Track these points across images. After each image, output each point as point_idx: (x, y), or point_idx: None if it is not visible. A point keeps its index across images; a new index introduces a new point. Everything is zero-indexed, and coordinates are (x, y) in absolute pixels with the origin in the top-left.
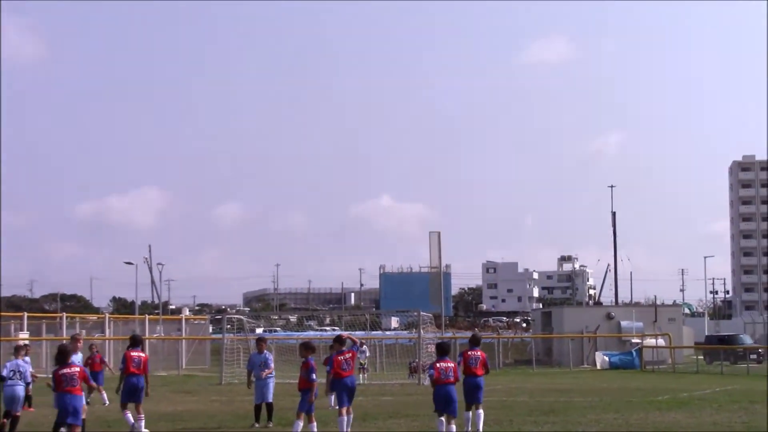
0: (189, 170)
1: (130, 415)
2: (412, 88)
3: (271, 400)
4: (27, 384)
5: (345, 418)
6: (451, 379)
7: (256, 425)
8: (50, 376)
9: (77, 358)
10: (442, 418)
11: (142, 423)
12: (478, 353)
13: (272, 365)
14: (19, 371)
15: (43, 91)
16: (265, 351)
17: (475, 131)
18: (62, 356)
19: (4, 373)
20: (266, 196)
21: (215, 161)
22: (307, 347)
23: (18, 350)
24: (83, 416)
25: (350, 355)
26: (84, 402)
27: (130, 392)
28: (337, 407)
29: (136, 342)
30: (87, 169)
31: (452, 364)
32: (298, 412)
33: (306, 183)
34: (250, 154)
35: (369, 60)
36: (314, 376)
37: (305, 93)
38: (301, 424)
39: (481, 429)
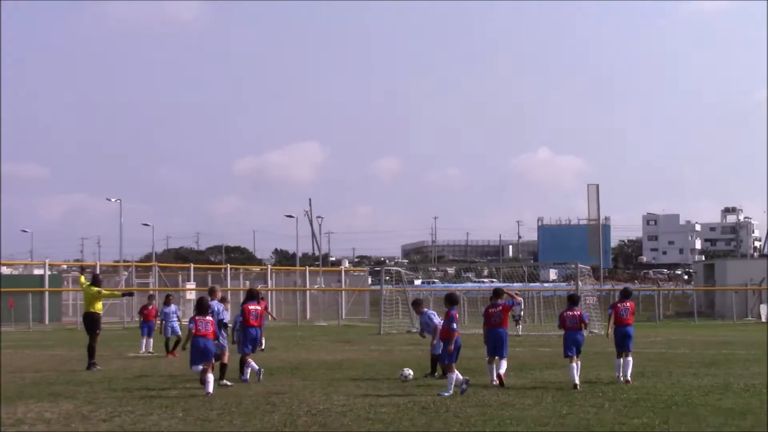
0: (347, 125)
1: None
2: (569, 36)
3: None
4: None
5: (493, 366)
6: (571, 325)
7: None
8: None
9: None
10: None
11: (248, 371)
12: (628, 304)
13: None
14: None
15: (201, 51)
16: (425, 311)
17: (632, 82)
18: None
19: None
20: (423, 150)
21: (372, 116)
22: (447, 299)
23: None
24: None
25: (501, 308)
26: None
27: (250, 343)
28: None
29: (253, 295)
30: (248, 126)
31: (578, 312)
32: (445, 364)
33: (463, 136)
34: (406, 108)
35: (523, 9)
36: (455, 325)
37: (461, 44)
38: (454, 376)
39: (629, 375)
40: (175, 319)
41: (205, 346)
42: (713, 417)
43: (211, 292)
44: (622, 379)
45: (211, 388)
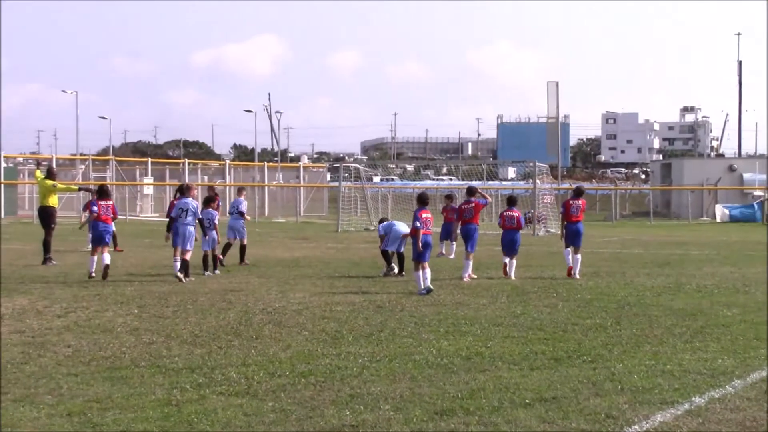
0: (305, 17)
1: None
2: None
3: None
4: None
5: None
6: (509, 225)
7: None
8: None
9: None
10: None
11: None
12: (580, 202)
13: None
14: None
15: None
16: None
17: None
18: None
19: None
20: (383, 44)
21: (331, 8)
22: (418, 198)
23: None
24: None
25: (474, 205)
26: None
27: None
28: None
29: (103, 192)
30: (205, 18)
31: (517, 213)
32: (413, 261)
33: (423, 29)
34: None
35: None
36: (418, 224)
37: None
38: (420, 273)
39: (578, 273)
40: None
41: (105, 229)
42: (665, 317)
43: (186, 190)
44: (576, 274)
45: (94, 268)
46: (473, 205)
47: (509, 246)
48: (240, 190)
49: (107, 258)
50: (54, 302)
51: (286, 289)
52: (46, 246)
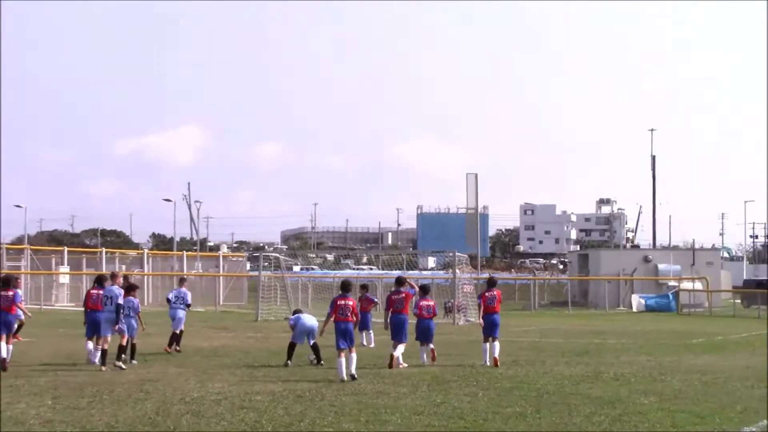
0: (228, 110)
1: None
2: (449, 29)
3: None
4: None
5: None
6: (427, 314)
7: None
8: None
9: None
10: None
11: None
12: (495, 292)
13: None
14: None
15: (80, 25)
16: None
17: (516, 72)
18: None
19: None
20: (304, 136)
21: (254, 101)
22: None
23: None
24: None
25: (404, 295)
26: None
27: (92, 326)
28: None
29: (100, 281)
30: (127, 107)
31: (432, 303)
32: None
33: (344, 122)
34: (288, 94)
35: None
36: (329, 310)
37: (339, 30)
38: (341, 360)
39: (497, 354)
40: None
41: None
42: (584, 406)
43: (112, 277)
44: (488, 362)
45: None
46: (403, 295)
47: (425, 333)
48: (182, 281)
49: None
50: None
51: (204, 379)
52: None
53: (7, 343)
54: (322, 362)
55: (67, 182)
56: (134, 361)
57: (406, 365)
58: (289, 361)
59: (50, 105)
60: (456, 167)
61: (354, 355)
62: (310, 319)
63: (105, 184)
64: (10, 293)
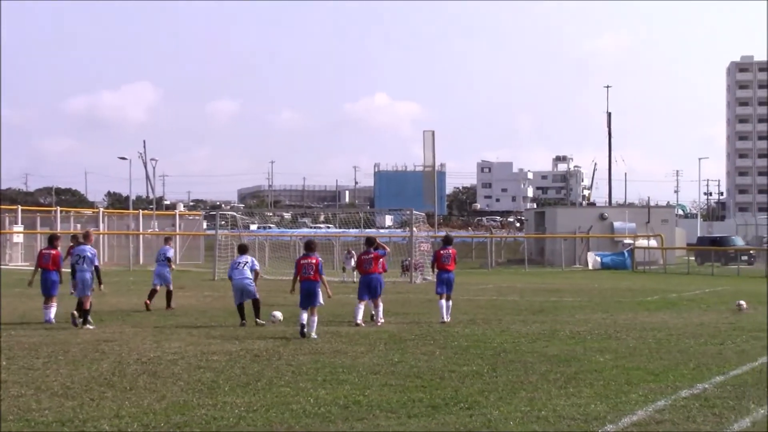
0: (182, 65)
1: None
2: None
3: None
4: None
5: (361, 307)
6: (370, 269)
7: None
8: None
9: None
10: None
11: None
12: (450, 251)
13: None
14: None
15: None
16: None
17: (472, 29)
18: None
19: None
20: (260, 93)
21: (209, 56)
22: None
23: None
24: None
25: (373, 256)
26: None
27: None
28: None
29: (52, 240)
30: (79, 64)
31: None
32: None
33: (301, 79)
34: (244, 49)
35: None
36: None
37: None
38: (303, 315)
39: (448, 316)
40: None
41: None
42: (540, 364)
43: (86, 237)
44: (447, 319)
45: None
46: (372, 255)
47: (447, 285)
48: (167, 239)
49: None
50: None
51: (161, 339)
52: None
53: None
54: (259, 320)
55: (18, 140)
56: (89, 326)
57: (382, 321)
58: (243, 321)
59: None
60: (413, 124)
61: (315, 317)
62: (238, 280)
63: (58, 142)
64: None
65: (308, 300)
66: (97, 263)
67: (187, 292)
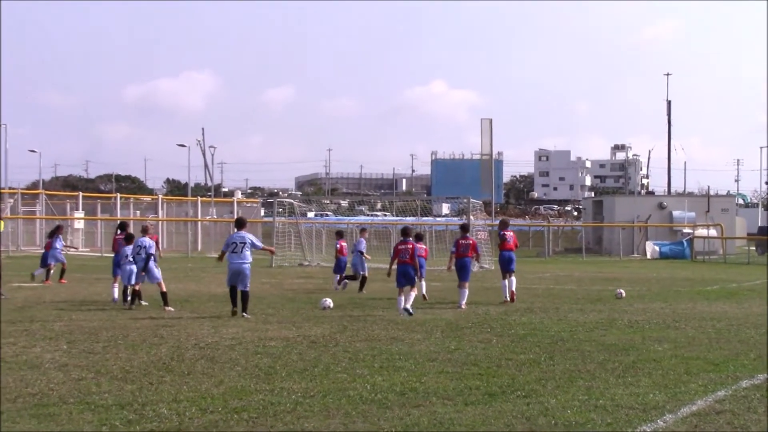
0: (239, 53)
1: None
2: None
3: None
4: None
5: (402, 297)
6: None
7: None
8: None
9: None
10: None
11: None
12: (510, 232)
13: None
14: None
15: None
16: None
17: (529, 16)
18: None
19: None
20: (317, 80)
21: (265, 44)
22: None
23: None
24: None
25: (410, 246)
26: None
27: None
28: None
29: (123, 227)
30: (134, 51)
31: (411, 245)
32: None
33: (356, 66)
34: (301, 37)
35: None
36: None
37: None
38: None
39: (514, 288)
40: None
41: None
42: (597, 352)
43: (144, 231)
44: (507, 297)
45: None
46: (409, 246)
47: (508, 265)
48: (144, 230)
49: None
50: None
51: (219, 325)
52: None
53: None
54: (245, 314)
55: (79, 127)
56: (143, 302)
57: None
58: (235, 308)
59: (57, 50)
60: (470, 112)
61: (413, 294)
62: (236, 264)
63: (117, 129)
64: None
65: (405, 280)
66: (152, 252)
67: None
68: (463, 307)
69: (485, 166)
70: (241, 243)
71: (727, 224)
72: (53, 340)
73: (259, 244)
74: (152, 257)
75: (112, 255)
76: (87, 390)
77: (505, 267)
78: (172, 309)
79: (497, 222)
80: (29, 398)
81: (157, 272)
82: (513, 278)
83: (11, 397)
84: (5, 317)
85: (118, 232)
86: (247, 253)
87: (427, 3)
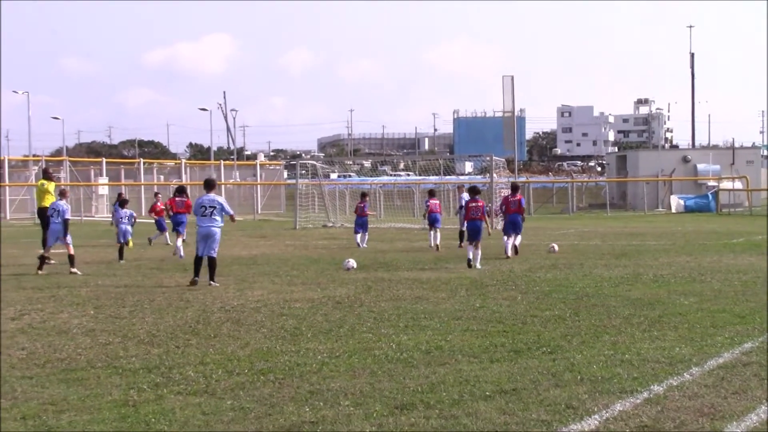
0: (257, 16)
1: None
2: None
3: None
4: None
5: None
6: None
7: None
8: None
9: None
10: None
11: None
12: (518, 197)
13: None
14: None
15: None
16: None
17: None
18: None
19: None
20: (336, 42)
21: (282, 6)
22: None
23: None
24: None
25: (480, 204)
26: None
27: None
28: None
29: (181, 190)
30: (157, 17)
31: (482, 203)
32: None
33: (374, 26)
34: None
35: None
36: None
37: None
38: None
39: (517, 243)
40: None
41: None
42: (623, 307)
43: (62, 194)
44: (509, 253)
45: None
46: (480, 204)
47: (474, 234)
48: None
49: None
50: (8, 305)
51: (244, 287)
52: (45, 243)
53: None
54: (213, 282)
55: (101, 93)
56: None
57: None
58: (196, 278)
59: (74, 17)
60: (491, 69)
61: (479, 251)
62: (205, 227)
63: (139, 94)
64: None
65: (474, 236)
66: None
67: (268, 240)
68: (478, 266)
69: (507, 123)
70: (210, 206)
71: (753, 176)
72: (80, 306)
73: (229, 209)
74: (66, 221)
75: (171, 216)
76: (114, 354)
77: (511, 229)
78: (78, 272)
79: (521, 180)
80: (58, 363)
81: (68, 236)
82: (519, 237)
83: (40, 362)
84: (31, 283)
85: (177, 194)
86: (218, 217)
87: None
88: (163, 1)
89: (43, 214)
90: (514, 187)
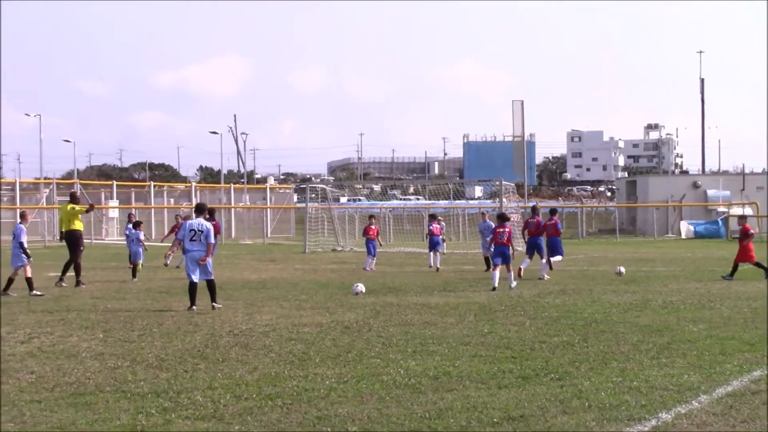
0: (267, 38)
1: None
2: None
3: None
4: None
5: (497, 273)
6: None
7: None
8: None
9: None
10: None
11: None
12: (506, 228)
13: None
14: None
15: None
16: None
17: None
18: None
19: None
20: (346, 63)
21: (294, 28)
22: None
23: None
24: None
25: (508, 229)
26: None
27: None
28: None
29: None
30: (168, 39)
31: (509, 229)
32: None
33: (386, 48)
34: (328, 19)
35: None
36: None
37: None
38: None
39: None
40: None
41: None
42: (631, 334)
43: (22, 217)
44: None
45: None
46: (507, 229)
47: (503, 258)
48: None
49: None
50: (17, 328)
51: (252, 311)
52: (77, 269)
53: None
54: (215, 304)
55: (112, 116)
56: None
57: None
58: (193, 306)
59: (90, 39)
60: (501, 93)
61: (511, 273)
62: (196, 252)
63: (150, 117)
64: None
65: (501, 259)
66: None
67: (278, 264)
68: (513, 285)
69: (517, 147)
70: (199, 231)
71: (763, 202)
72: (89, 329)
73: (211, 238)
74: (22, 244)
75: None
76: (123, 378)
77: (531, 251)
78: (40, 293)
79: (530, 204)
80: (66, 387)
81: (22, 259)
82: (544, 260)
83: (49, 386)
84: (43, 307)
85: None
86: (205, 244)
87: None
88: (175, 23)
89: (73, 237)
90: (502, 218)
